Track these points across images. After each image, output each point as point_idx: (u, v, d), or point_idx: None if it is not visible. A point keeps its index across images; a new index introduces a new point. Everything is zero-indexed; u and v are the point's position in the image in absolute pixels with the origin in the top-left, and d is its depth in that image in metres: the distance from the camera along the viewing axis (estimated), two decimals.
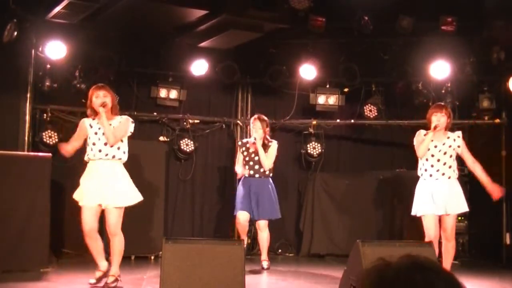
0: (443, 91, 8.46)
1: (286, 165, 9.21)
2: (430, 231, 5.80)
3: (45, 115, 7.86)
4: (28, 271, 6.13)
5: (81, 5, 6.57)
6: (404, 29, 7.41)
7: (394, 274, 1.31)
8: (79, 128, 5.62)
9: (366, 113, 8.80)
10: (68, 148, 5.63)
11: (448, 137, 5.97)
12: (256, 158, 7.06)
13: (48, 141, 7.73)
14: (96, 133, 5.48)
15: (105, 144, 5.43)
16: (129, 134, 5.60)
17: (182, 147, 8.66)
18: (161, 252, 4.80)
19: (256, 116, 7.23)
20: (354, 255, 4.90)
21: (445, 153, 5.91)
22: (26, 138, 7.60)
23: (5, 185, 6.27)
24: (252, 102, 9.11)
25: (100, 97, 5.49)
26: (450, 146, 5.94)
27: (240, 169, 7.12)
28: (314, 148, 8.89)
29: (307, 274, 7.16)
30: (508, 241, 8.21)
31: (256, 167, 7.07)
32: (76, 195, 5.49)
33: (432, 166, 5.88)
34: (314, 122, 8.89)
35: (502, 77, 8.11)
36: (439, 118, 5.87)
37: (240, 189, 7.12)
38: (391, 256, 1.38)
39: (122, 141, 5.51)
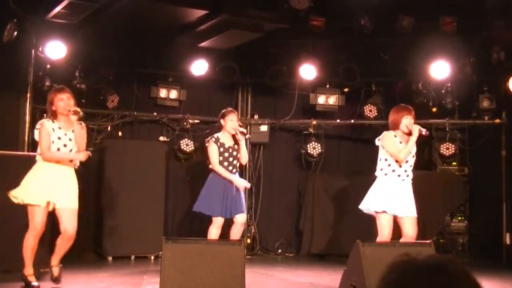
0: (443, 91, 8.47)
1: (286, 165, 9.22)
2: (387, 230, 5.80)
3: (45, 115, 7.84)
4: None
5: (81, 5, 6.57)
6: (404, 29, 7.41)
7: (420, 273, 1.30)
8: (47, 134, 5.33)
9: (366, 113, 8.80)
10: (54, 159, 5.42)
11: (409, 139, 5.98)
12: (235, 153, 6.62)
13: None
14: (59, 138, 5.32)
15: (70, 151, 5.33)
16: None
17: (182, 147, 8.66)
18: (161, 252, 4.80)
19: (229, 108, 6.86)
20: (354, 255, 4.91)
21: (413, 156, 5.95)
22: (26, 138, 7.59)
23: (5, 185, 6.26)
24: (252, 102, 9.11)
25: (65, 100, 5.30)
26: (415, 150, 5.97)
27: (244, 183, 6.69)
28: (314, 148, 8.90)
29: (307, 274, 7.16)
30: (508, 241, 8.21)
31: (235, 162, 6.62)
32: (29, 196, 5.32)
33: (400, 167, 5.87)
34: (314, 122, 8.89)
35: (502, 77, 8.11)
36: (410, 121, 5.86)
37: (215, 188, 6.58)
38: (417, 253, 1.37)
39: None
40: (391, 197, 5.79)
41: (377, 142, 6.06)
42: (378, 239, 5.80)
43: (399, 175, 5.87)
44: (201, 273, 4.54)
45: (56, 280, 5.43)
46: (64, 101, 5.30)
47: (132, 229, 7.76)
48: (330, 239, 8.60)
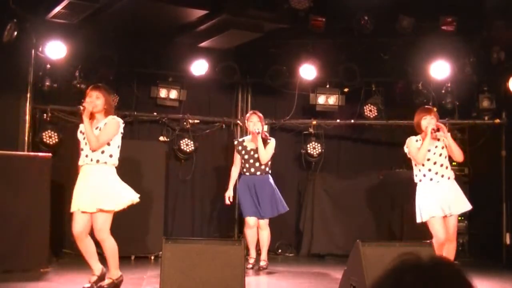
0: (443, 91, 8.47)
1: (286, 165, 9.22)
2: (440, 234, 5.74)
3: (45, 115, 7.86)
4: (28, 271, 6.12)
5: (81, 5, 6.57)
6: (404, 29, 7.41)
7: (423, 274, 1.30)
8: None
9: (366, 113, 8.80)
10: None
11: (438, 139, 5.96)
12: (256, 155, 7.06)
13: (48, 141, 7.74)
14: (84, 138, 5.30)
15: (91, 148, 5.26)
16: (120, 135, 5.36)
17: (182, 147, 8.66)
18: (161, 252, 4.79)
19: (252, 111, 7.29)
20: (354, 255, 4.90)
21: (440, 155, 5.91)
22: (26, 138, 7.60)
23: (5, 185, 6.27)
24: (252, 102, 9.11)
25: (92, 98, 5.30)
26: (442, 148, 5.94)
27: (236, 172, 7.19)
28: (314, 148, 8.89)
29: (307, 274, 7.16)
30: (508, 241, 8.20)
31: (257, 164, 7.07)
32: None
33: (430, 170, 5.86)
34: (314, 122, 8.89)
35: (502, 77, 8.11)
36: (429, 121, 5.86)
37: (243, 190, 7.12)
38: (418, 253, 1.37)
39: (108, 144, 5.27)
40: (432, 202, 5.77)
41: (405, 149, 6.04)
42: (435, 242, 5.70)
43: (431, 179, 5.85)
44: (201, 273, 4.53)
45: None
46: (91, 98, 5.32)
47: (132, 229, 7.75)
48: (330, 239, 8.60)
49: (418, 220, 5.92)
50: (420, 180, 5.90)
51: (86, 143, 5.26)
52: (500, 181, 8.36)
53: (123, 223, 7.76)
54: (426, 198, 5.83)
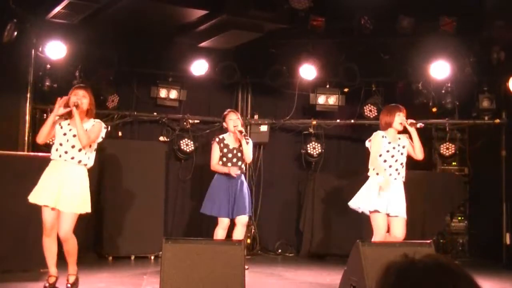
0: (443, 91, 8.47)
1: (286, 165, 9.22)
2: (383, 230, 5.81)
3: (45, 115, 7.85)
4: (28, 271, 6.12)
5: (81, 5, 6.57)
6: (404, 29, 7.41)
7: (419, 273, 1.30)
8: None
9: (366, 113, 8.81)
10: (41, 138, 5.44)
11: (400, 138, 5.98)
12: (239, 154, 6.68)
13: (48, 141, 7.72)
14: (65, 134, 5.29)
15: (72, 147, 5.24)
16: (100, 140, 5.39)
17: (182, 147, 8.66)
18: (161, 252, 4.80)
19: (228, 109, 6.92)
20: (354, 255, 4.91)
21: (402, 154, 5.94)
22: (26, 138, 7.60)
23: (5, 185, 6.27)
24: (252, 102, 9.11)
25: (79, 96, 5.31)
26: (404, 147, 5.96)
27: (235, 169, 6.62)
28: (314, 148, 8.90)
29: (307, 274, 7.16)
30: (508, 241, 8.20)
31: (239, 163, 6.68)
32: (33, 196, 5.26)
33: (390, 166, 5.88)
34: (314, 122, 8.89)
35: (502, 77, 8.11)
36: (402, 118, 5.90)
37: (219, 189, 6.62)
38: (415, 253, 1.37)
39: (90, 146, 5.30)
40: (383, 196, 5.78)
41: (367, 143, 6.08)
42: (374, 239, 5.78)
43: (390, 174, 5.87)
44: (201, 273, 4.54)
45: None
46: (77, 96, 5.34)
47: (132, 229, 7.76)
48: (330, 239, 8.60)
49: (352, 205, 6.03)
50: (378, 173, 5.86)
51: (68, 140, 5.26)
52: (500, 181, 8.36)
53: (123, 223, 7.80)
54: (376, 191, 5.82)
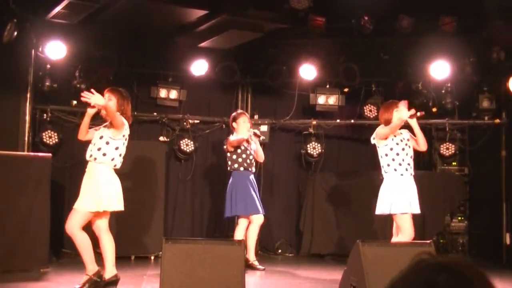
0: (443, 91, 8.47)
1: (286, 165, 9.22)
2: (412, 229, 5.77)
3: (45, 115, 7.87)
4: (28, 271, 6.13)
5: (81, 5, 6.57)
6: (404, 29, 7.40)
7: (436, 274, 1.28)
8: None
9: (366, 113, 8.80)
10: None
11: (401, 133, 5.97)
12: (250, 153, 7.17)
13: (48, 141, 7.74)
14: (101, 138, 5.39)
15: (94, 146, 5.34)
16: (121, 137, 5.37)
17: (182, 147, 8.66)
18: (161, 252, 4.80)
19: (239, 111, 7.36)
20: (354, 255, 4.90)
21: (409, 146, 5.92)
22: (26, 138, 7.60)
23: (5, 185, 6.27)
24: (252, 102, 9.11)
25: (105, 98, 5.43)
26: (408, 140, 5.96)
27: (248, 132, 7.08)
28: (314, 148, 8.90)
29: (307, 274, 7.16)
30: (508, 241, 8.20)
31: (254, 161, 7.25)
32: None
33: (403, 160, 5.84)
34: (314, 122, 8.89)
35: (502, 77, 8.11)
36: (402, 108, 5.90)
37: (245, 187, 7.07)
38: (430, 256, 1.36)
39: (107, 143, 5.31)
40: (408, 195, 5.77)
41: (372, 140, 6.07)
42: (403, 239, 5.68)
43: (406, 169, 5.85)
44: (201, 273, 4.53)
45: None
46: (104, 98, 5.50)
47: (132, 229, 7.76)
48: (330, 239, 8.60)
49: (381, 212, 5.88)
50: (395, 170, 5.82)
51: (94, 143, 5.35)
52: (500, 181, 8.36)
53: (123, 223, 7.79)
54: (403, 191, 5.79)
